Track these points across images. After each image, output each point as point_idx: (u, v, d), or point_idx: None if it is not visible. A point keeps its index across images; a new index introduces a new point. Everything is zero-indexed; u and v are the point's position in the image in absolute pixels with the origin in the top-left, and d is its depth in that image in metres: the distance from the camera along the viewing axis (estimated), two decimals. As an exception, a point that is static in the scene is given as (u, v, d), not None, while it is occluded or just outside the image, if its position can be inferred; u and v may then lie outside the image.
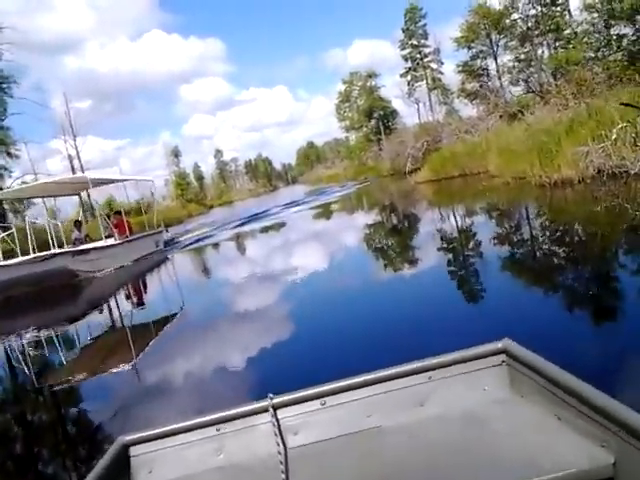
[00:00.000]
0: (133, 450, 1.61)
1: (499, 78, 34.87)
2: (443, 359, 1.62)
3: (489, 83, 36.19)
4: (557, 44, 22.54)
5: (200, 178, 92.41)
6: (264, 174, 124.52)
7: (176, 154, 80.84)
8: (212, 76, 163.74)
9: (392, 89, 62.57)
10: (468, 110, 42.15)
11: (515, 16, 24.52)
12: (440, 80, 49.16)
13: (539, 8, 23.97)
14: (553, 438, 1.32)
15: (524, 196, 11.58)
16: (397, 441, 1.50)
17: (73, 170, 42.06)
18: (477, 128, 27.97)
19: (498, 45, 34.66)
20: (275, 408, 1.60)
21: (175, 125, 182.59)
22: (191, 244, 18.31)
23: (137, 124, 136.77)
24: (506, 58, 31.93)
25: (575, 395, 1.29)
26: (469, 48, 35.85)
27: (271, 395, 1.61)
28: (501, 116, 27.16)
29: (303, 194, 39.43)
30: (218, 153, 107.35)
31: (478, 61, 35.86)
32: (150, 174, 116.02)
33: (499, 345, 1.59)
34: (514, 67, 27.44)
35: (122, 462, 1.57)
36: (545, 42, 22.85)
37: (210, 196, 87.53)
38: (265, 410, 1.60)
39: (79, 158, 42.63)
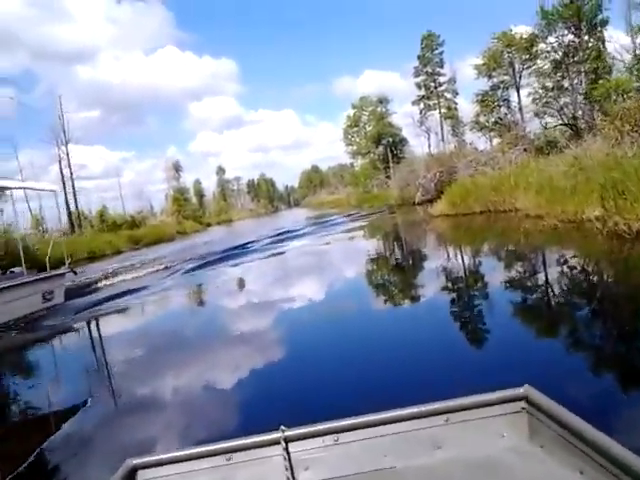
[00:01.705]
0: (141, 474, 1.56)
1: (520, 109, 32.83)
2: (461, 402, 1.55)
3: (508, 115, 34.21)
4: (597, 73, 20.38)
5: (200, 194, 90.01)
6: (266, 195, 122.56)
7: (177, 168, 78.64)
8: (223, 95, 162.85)
9: (401, 120, 60.32)
10: (481, 143, 40.28)
11: (551, 40, 22.39)
12: (456, 109, 47.21)
13: (571, 37, 21.86)
14: None
15: (598, 252, 8.29)
16: None
17: (63, 178, 39.87)
18: (497, 161, 25.79)
19: (521, 75, 32.71)
20: (287, 441, 1.54)
21: (182, 141, 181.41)
22: (117, 297, 11.22)
23: (144, 137, 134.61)
24: (531, 88, 29.80)
25: (599, 450, 1.22)
26: (489, 77, 33.93)
27: (283, 427, 1.56)
28: (525, 149, 24.96)
29: (304, 219, 37.02)
30: (220, 170, 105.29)
31: (499, 91, 33.88)
32: (152, 187, 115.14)
33: (520, 391, 1.53)
34: (544, 96, 25.19)
35: None
36: (582, 71, 20.66)
37: (209, 214, 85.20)
38: (277, 442, 1.54)
39: (69, 165, 40.31)
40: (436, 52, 49.48)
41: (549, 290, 6.72)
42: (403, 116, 60.98)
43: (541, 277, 7.52)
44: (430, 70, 49.72)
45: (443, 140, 48.23)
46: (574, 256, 8.34)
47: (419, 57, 49.66)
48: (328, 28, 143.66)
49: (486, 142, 39.64)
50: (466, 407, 1.56)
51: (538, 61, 26.99)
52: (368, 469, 1.52)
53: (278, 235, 22.91)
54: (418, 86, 49.93)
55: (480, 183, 17.53)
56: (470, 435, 1.54)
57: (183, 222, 59.19)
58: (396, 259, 12.35)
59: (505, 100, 33.91)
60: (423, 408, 1.57)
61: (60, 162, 40.19)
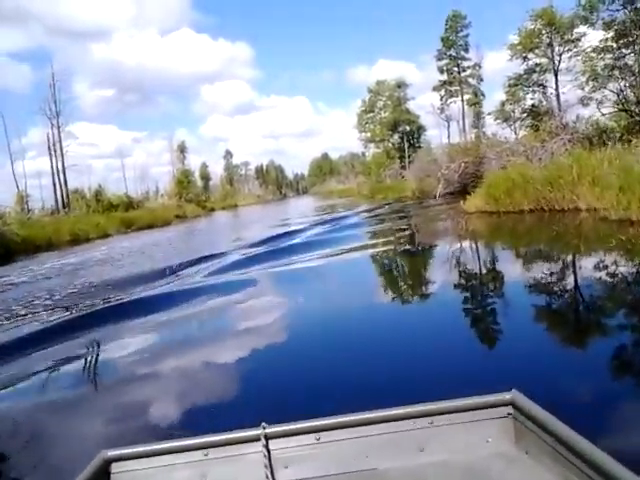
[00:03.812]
0: (115, 467, 1.51)
1: (557, 96, 29.35)
2: (446, 405, 1.52)
3: (544, 102, 30.76)
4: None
5: (206, 178, 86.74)
6: (274, 181, 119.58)
7: (182, 150, 75.37)
8: (236, 79, 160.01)
9: (416, 111, 55.67)
10: (505, 134, 37.11)
11: (616, 7, 18.87)
12: (483, 95, 43.67)
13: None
14: None
15: None
16: None
17: (50, 154, 36.46)
18: (534, 152, 22.49)
19: (561, 58, 29.20)
20: (267, 438, 1.50)
21: (193, 124, 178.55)
22: None
23: (156, 118, 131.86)
24: (572, 74, 26.33)
25: (586, 460, 1.19)
26: (524, 59, 30.37)
27: (264, 424, 1.52)
28: (570, 140, 21.58)
29: (312, 211, 33.64)
30: (228, 154, 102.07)
31: (534, 75, 30.35)
32: (161, 169, 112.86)
33: (507, 396, 1.50)
34: (599, 76, 21.68)
35: (102, 478, 1.48)
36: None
37: (214, 198, 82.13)
38: (257, 439, 1.50)
39: (60, 139, 36.94)
40: (461, 34, 45.92)
41: None
42: (418, 108, 56.74)
43: None
44: (454, 54, 46.15)
45: (464, 130, 44.82)
46: None
47: (442, 39, 46.08)
48: (345, 15, 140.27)
49: (511, 133, 36.60)
50: (451, 410, 1.51)
51: (590, 37, 23.47)
52: (349, 470, 1.48)
53: (274, 239, 14.45)
54: (440, 70, 46.39)
55: (529, 175, 14.15)
56: (454, 439, 1.49)
57: (184, 205, 55.95)
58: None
59: (541, 85, 30.36)
60: (407, 409, 1.52)
61: (48, 136, 36.83)
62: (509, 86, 31.85)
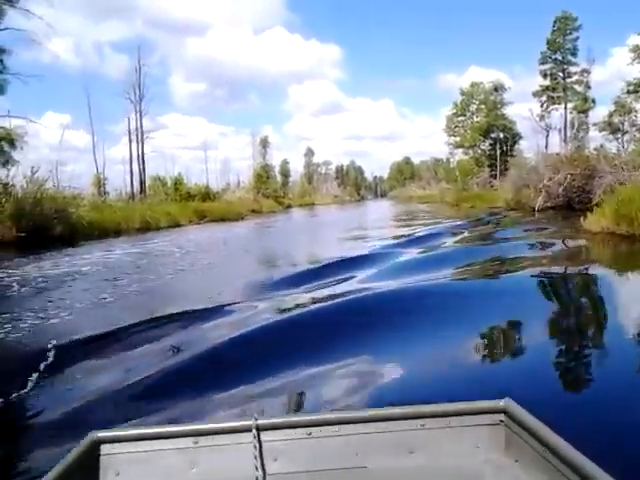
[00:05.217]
0: (104, 448, 1.47)
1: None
2: (438, 408, 1.51)
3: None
4: None
5: (285, 174, 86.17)
6: (353, 182, 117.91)
7: (264, 144, 74.97)
8: (324, 80, 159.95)
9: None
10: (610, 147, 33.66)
11: None
12: (593, 102, 39.78)
13: None
14: None
15: None
16: None
17: (130, 139, 36.12)
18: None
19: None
20: (259, 429, 1.47)
21: (279, 121, 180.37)
22: None
23: (243, 114, 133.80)
24: None
25: (576, 470, 1.17)
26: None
27: (256, 415, 1.50)
28: None
29: (394, 218, 31.20)
30: (309, 152, 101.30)
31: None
32: (243, 163, 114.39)
33: (500, 404, 1.48)
34: None
35: (91, 459, 1.44)
36: None
37: (292, 194, 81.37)
38: (248, 430, 1.46)
39: (141, 126, 36.51)
40: (570, 37, 42.17)
41: None
42: (510, 116, 52.41)
43: None
44: (560, 57, 42.49)
45: (566, 140, 41.12)
46: None
47: (548, 41, 42.55)
48: (437, 21, 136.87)
49: (618, 146, 33.26)
50: (443, 414, 1.49)
51: None
52: (338, 466, 1.46)
53: (341, 267, 9.31)
54: (543, 75, 42.88)
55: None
56: (445, 443, 1.47)
57: (261, 200, 55.09)
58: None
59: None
60: (399, 410, 1.51)
61: (129, 120, 36.48)
62: (627, 92, 28.43)
